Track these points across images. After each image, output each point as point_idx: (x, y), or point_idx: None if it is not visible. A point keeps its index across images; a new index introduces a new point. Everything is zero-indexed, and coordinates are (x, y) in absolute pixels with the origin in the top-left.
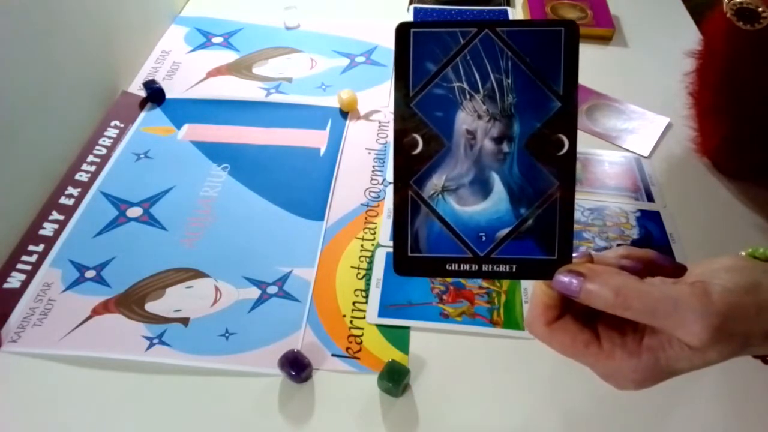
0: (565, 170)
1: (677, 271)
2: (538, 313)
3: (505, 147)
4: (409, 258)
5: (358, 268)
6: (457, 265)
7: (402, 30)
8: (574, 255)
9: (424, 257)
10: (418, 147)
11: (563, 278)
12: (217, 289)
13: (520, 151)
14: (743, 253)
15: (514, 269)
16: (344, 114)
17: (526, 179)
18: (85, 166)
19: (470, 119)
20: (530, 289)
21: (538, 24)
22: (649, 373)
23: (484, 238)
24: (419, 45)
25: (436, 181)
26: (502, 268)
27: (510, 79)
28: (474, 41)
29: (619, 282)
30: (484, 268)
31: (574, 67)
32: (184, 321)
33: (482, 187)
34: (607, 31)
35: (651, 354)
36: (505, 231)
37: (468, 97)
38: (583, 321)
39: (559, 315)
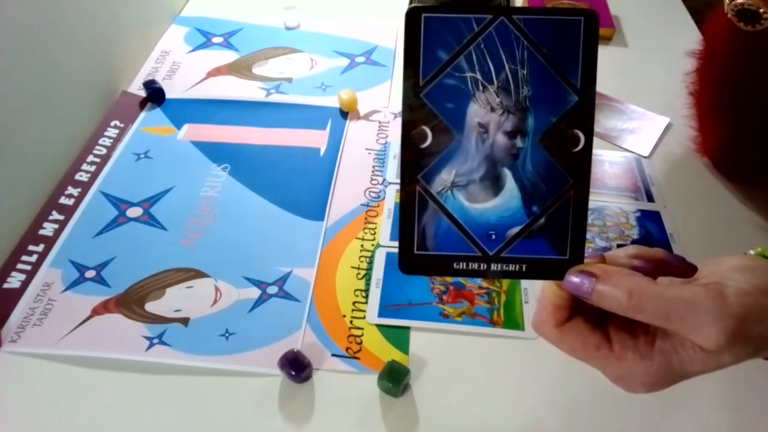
0: (580, 167)
1: (688, 271)
2: (548, 314)
3: (518, 142)
4: (416, 256)
5: (358, 268)
6: (465, 264)
7: (412, 15)
8: (585, 255)
9: (431, 255)
10: (426, 140)
11: (574, 279)
12: (217, 289)
13: (533, 146)
14: (752, 252)
15: (524, 269)
16: (344, 114)
17: (540, 176)
18: (85, 166)
19: (483, 111)
20: (530, 289)
21: (557, 12)
22: (662, 376)
23: (494, 237)
24: (430, 31)
25: (446, 176)
26: (511, 267)
27: (525, 70)
28: (489, 29)
29: (632, 284)
30: (493, 267)
31: (592, 59)
32: (184, 321)
33: (493, 184)
34: (607, 31)
35: (663, 357)
36: (516, 229)
37: (481, 88)
38: (594, 322)
39: (569, 316)
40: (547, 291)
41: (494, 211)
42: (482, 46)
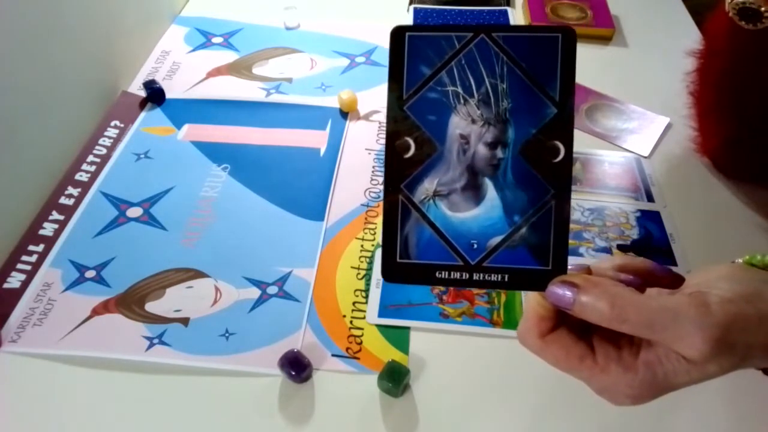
0: (561, 178)
1: (675, 281)
2: (532, 324)
3: (499, 152)
4: (398, 264)
5: (358, 269)
6: (447, 273)
7: (397, 33)
8: (570, 266)
9: (414, 264)
10: (410, 150)
11: (556, 290)
12: (217, 289)
13: (514, 157)
14: (740, 260)
15: (506, 279)
16: (344, 114)
17: (520, 186)
18: (85, 166)
19: (464, 123)
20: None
21: (535, 30)
22: (646, 389)
23: (475, 246)
24: (414, 48)
25: (428, 185)
26: (493, 277)
27: (505, 84)
28: (469, 46)
29: (615, 293)
30: (475, 277)
31: (570, 73)
32: (184, 321)
33: (475, 193)
34: (607, 31)
35: (647, 368)
36: (498, 239)
37: (462, 101)
38: (578, 333)
39: (553, 327)
40: (532, 301)
41: (476, 220)
42: (463, 62)
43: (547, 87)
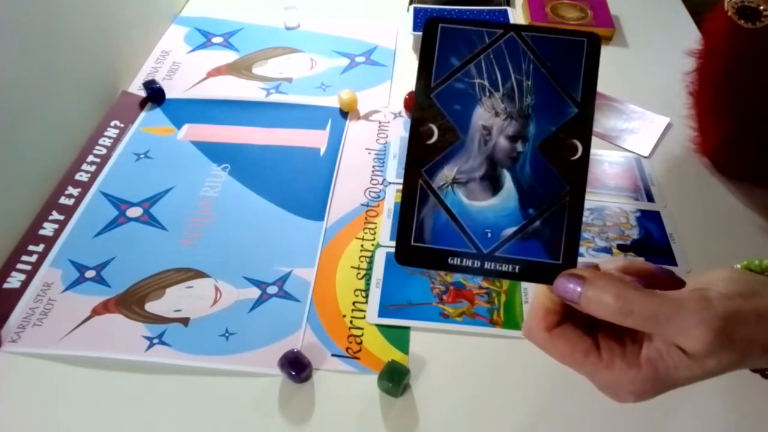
0: (577, 176)
1: (676, 284)
2: (539, 317)
3: (519, 146)
4: (412, 247)
5: (358, 268)
6: (459, 259)
7: (431, 24)
8: (578, 265)
9: (427, 248)
10: (433, 137)
11: (564, 283)
12: (217, 289)
13: (533, 151)
14: (738, 266)
15: (516, 270)
16: (344, 114)
17: (537, 180)
18: (85, 166)
19: (487, 115)
20: (530, 288)
21: (563, 33)
22: (649, 385)
23: (489, 235)
24: (446, 40)
25: (448, 172)
26: (504, 267)
27: (530, 81)
28: (499, 42)
29: (620, 286)
30: (487, 265)
31: (593, 76)
32: (184, 321)
33: (492, 183)
34: (607, 31)
35: (650, 364)
36: (512, 230)
37: (487, 93)
38: (584, 329)
39: (559, 321)
40: (540, 295)
41: (492, 210)
42: (491, 56)
43: (569, 87)
